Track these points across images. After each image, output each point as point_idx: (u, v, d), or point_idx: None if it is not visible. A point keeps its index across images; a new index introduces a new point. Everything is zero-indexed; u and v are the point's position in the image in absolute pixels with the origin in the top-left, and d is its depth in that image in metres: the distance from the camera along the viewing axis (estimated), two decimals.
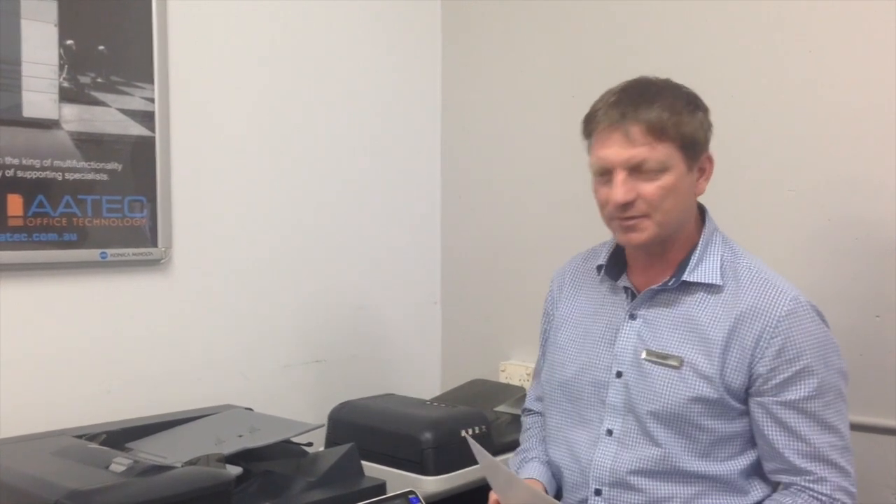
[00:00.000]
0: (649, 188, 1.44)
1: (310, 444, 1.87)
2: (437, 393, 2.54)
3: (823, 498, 1.45)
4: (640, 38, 2.25)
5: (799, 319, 1.46)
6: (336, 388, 2.38)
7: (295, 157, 2.37)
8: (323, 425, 2.04)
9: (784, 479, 1.48)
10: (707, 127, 1.49)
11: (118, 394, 2.02)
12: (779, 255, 2.02)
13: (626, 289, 1.58)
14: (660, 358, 1.50)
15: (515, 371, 2.49)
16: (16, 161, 1.85)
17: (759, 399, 1.47)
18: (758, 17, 2.04)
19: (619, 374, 1.54)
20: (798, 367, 1.44)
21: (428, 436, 1.93)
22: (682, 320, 1.50)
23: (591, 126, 1.49)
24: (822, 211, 1.96)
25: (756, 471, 1.52)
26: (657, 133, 1.42)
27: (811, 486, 1.45)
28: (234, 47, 2.24)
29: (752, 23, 2.05)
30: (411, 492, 1.68)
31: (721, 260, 1.52)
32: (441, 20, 2.72)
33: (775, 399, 1.45)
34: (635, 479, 1.50)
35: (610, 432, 1.53)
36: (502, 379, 2.50)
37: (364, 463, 1.78)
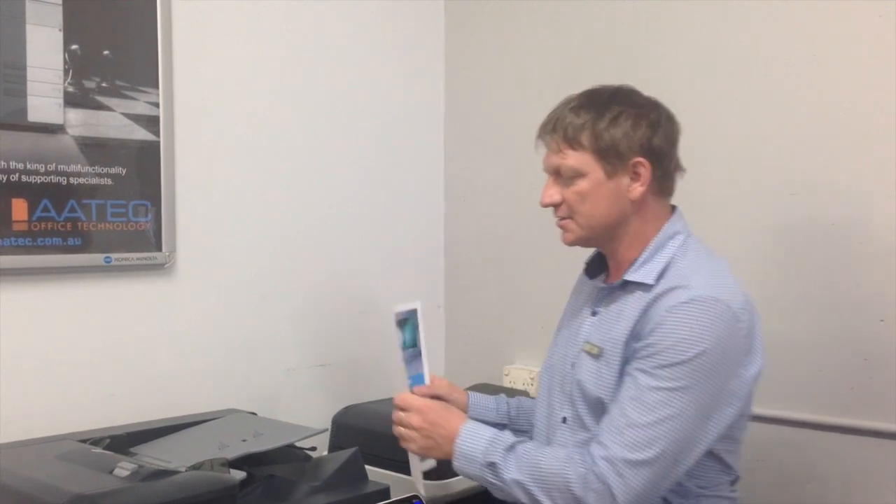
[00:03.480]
0: (567, 193, 1.56)
1: (313, 449, 1.87)
2: None
3: (587, 457, 1.43)
4: (644, 38, 2.25)
5: (686, 311, 1.43)
6: (340, 392, 2.38)
7: (298, 161, 2.37)
8: (327, 429, 2.04)
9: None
10: (640, 136, 1.51)
11: (122, 398, 2.02)
12: (781, 259, 2.02)
13: (597, 288, 1.66)
14: (589, 349, 1.57)
15: (519, 375, 2.49)
16: (21, 165, 1.86)
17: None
18: (760, 21, 2.04)
19: (572, 366, 1.62)
20: (657, 349, 1.43)
21: None
22: (616, 315, 1.55)
23: (538, 131, 1.61)
24: (825, 215, 1.96)
25: None
26: (570, 142, 1.53)
27: (592, 444, 1.46)
28: (239, 52, 2.24)
29: (755, 25, 2.05)
30: (415, 496, 1.68)
31: (668, 262, 1.53)
32: (444, 19, 2.72)
33: (629, 366, 1.47)
34: None
35: (564, 419, 1.61)
36: (506, 383, 2.50)
37: (368, 467, 1.77)
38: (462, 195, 2.70)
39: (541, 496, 1.44)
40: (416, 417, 1.59)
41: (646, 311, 1.48)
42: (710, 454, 1.50)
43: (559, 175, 1.56)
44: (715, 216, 2.07)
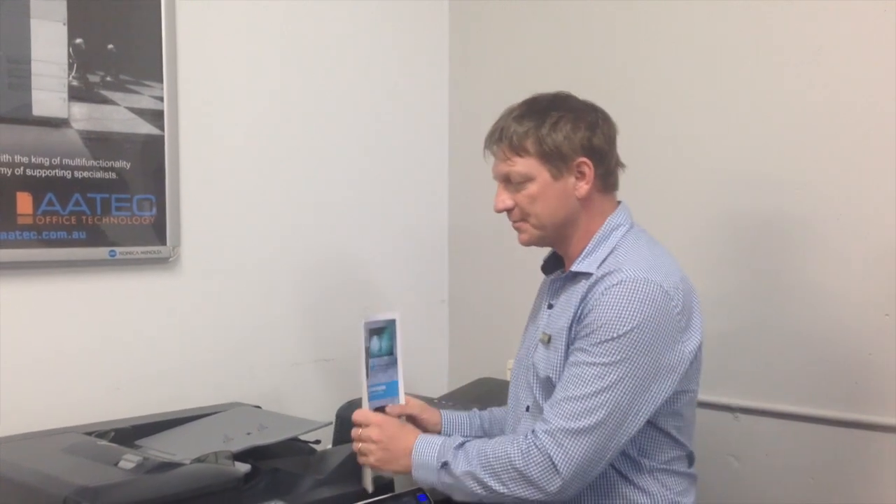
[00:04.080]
0: (518, 197, 1.63)
1: (318, 442, 1.88)
2: (445, 391, 2.54)
3: (528, 433, 1.52)
4: (646, 36, 2.24)
5: (618, 292, 1.51)
6: (344, 386, 2.37)
7: (303, 155, 2.37)
8: (331, 423, 2.04)
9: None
10: (581, 138, 1.60)
11: (127, 391, 2.03)
12: (787, 253, 2.02)
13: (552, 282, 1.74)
14: (542, 337, 1.66)
15: None
16: (25, 159, 1.86)
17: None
18: (768, 19, 2.04)
19: (531, 356, 1.69)
20: (591, 329, 1.52)
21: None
22: (565, 305, 1.63)
23: (484, 142, 1.69)
24: (831, 209, 1.95)
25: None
26: (516, 149, 1.61)
27: (536, 423, 1.54)
28: (243, 46, 2.24)
29: (755, 28, 2.05)
30: (419, 490, 1.68)
31: (610, 251, 1.61)
32: (448, 12, 2.71)
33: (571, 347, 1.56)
34: None
35: (527, 408, 1.68)
36: (509, 377, 2.49)
37: None
38: (466, 189, 2.70)
39: (490, 481, 1.51)
40: (374, 431, 1.62)
41: (584, 297, 1.57)
42: (660, 430, 1.59)
43: (509, 181, 1.64)
44: (718, 211, 2.07)
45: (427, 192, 2.69)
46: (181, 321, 2.13)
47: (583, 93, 1.69)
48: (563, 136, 1.60)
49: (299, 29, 2.36)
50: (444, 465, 1.56)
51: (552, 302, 1.69)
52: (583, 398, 1.49)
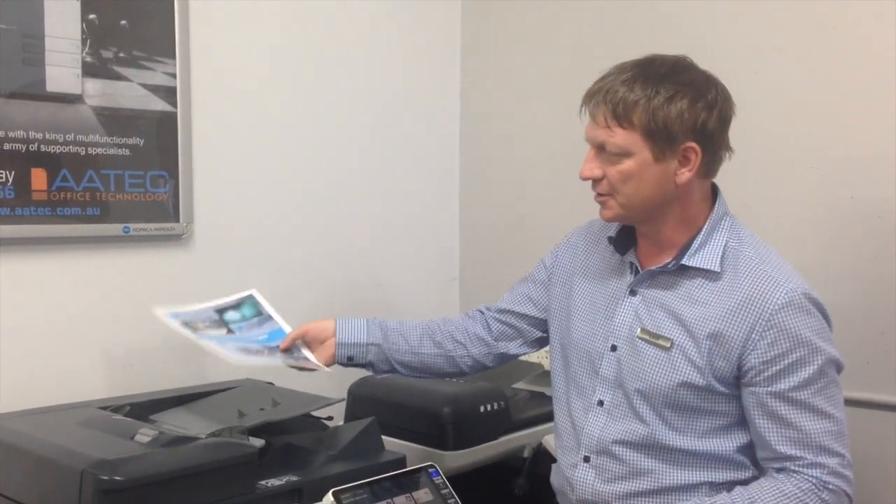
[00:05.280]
0: (610, 171, 1.47)
1: (330, 419, 1.89)
2: None
3: (814, 480, 1.43)
4: (663, 14, 2.23)
5: (793, 312, 1.43)
6: None
7: (316, 132, 2.37)
8: (343, 399, 2.05)
9: (775, 465, 1.47)
10: (695, 117, 1.43)
11: (139, 367, 2.04)
12: (801, 233, 2.02)
13: (631, 264, 1.59)
14: (652, 337, 1.51)
15: None
16: (40, 135, 1.86)
17: (750, 389, 1.46)
18: None
19: (613, 348, 1.56)
20: (791, 360, 1.43)
21: (447, 410, 1.95)
22: (678, 303, 1.51)
23: (584, 97, 1.52)
24: (845, 189, 1.95)
25: (748, 451, 1.52)
26: (619, 119, 1.44)
27: (803, 469, 1.43)
28: (256, 23, 2.23)
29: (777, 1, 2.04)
30: (431, 465, 1.69)
31: (725, 247, 1.50)
32: (461, 1, 2.70)
33: (767, 390, 1.44)
34: (619, 449, 1.54)
35: (601, 403, 1.57)
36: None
37: (384, 437, 1.79)
38: (477, 167, 2.70)
39: None
40: None
41: (735, 314, 1.45)
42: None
43: (602, 150, 1.47)
44: (733, 192, 2.06)
45: (438, 169, 2.69)
46: (193, 297, 2.11)
47: (599, 72, 1.66)
48: (675, 114, 1.42)
49: (315, 8, 2.35)
50: None
51: (637, 289, 1.56)
52: (832, 428, 1.43)
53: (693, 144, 1.44)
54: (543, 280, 1.77)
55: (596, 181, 1.50)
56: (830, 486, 1.42)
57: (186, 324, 1.71)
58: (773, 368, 1.43)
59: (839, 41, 1.95)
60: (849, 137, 1.94)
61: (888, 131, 1.88)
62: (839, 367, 1.48)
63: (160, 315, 1.70)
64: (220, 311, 1.74)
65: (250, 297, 1.76)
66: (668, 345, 1.49)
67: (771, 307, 1.43)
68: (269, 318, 1.78)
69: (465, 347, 1.78)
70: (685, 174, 1.46)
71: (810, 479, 1.43)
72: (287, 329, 1.78)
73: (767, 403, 1.45)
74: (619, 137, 1.44)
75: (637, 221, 1.55)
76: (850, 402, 1.92)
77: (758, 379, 1.45)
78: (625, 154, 1.45)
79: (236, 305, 1.76)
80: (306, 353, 1.76)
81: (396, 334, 1.77)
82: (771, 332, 1.43)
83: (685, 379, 1.48)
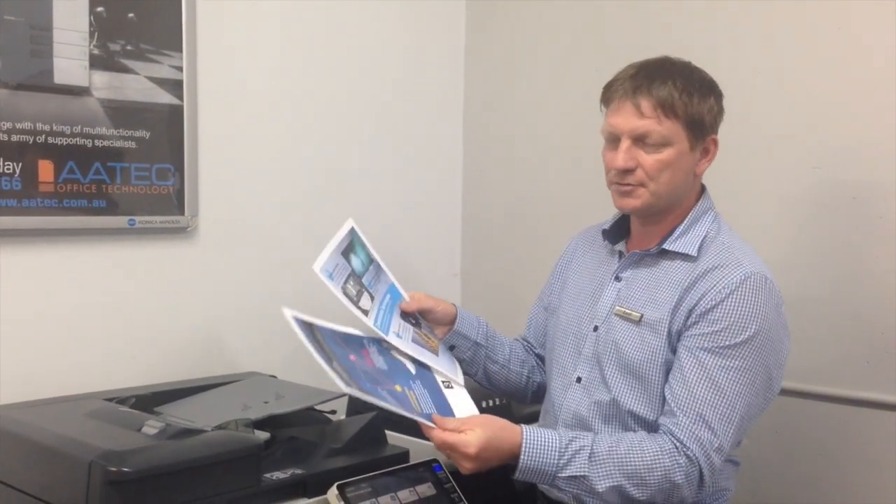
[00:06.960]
0: (649, 160, 1.54)
1: (333, 412, 1.90)
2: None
3: (677, 444, 1.47)
4: (665, 13, 2.24)
5: (748, 289, 1.50)
6: None
7: (320, 127, 2.37)
8: (346, 394, 2.06)
9: (660, 421, 1.53)
10: (716, 112, 1.58)
11: (143, 360, 2.05)
12: (801, 233, 2.03)
13: (620, 253, 1.69)
14: (626, 314, 1.60)
15: None
16: (47, 127, 1.87)
17: (681, 341, 1.53)
18: None
19: (595, 329, 1.65)
20: (722, 326, 1.49)
21: None
22: (654, 282, 1.59)
23: (607, 95, 1.60)
24: (847, 189, 1.96)
25: None
26: (666, 109, 1.52)
27: (673, 429, 1.48)
28: (263, 18, 2.24)
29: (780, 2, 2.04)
30: (434, 460, 1.70)
31: (705, 236, 1.59)
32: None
33: (687, 342, 1.51)
34: (593, 421, 1.60)
35: (579, 379, 1.65)
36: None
37: (387, 432, 1.80)
38: (479, 162, 2.70)
39: (635, 491, 1.46)
40: (471, 449, 1.47)
41: (695, 283, 1.53)
42: None
43: (640, 140, 1.54)
44: (736, 190, 2.07)
45: (440, 163, 2.69)
46: (198, 290, 2.15)
47: (600, 67, 1.69)
48: (707, 109, 1.55)
49: (321, 5, 2.34)
50: (576, 478, 1.47)
51: (621, 274, 1.65)
52: (721, 406, 1.47)
53: (715, 137, 1.59)
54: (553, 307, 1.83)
55: (628, 171, 1.56)
56: (689, 454, 1.46)
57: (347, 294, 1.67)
58: (702, 323, 1.50)
59: (842, 41, 1.96)
60: (851, 138, 1.95)
61: (891, 132, 1.89)
62: (774, 362, 1.52)
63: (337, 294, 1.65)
64: (346, 254, 1.67)
65: (353, 230, 1.73)
66: (638, 318, 1.57)
67: (726, 284, 1.50)
68: (379, 267, 1.75)
69: (538, 374, 1.88)
70: (704, 165, 1.60)
71: (674, 441, 1.47)
72: (395, 281, 1.77)
73: (681, 357, 1.51)
74: (665, 127, 1.53)
75: (658, 211, 1.61)
76: (850, 402, 1.97)
77: (688, 328, 1.52)
78: (666, 143, 1.53)
79: (349, 244, 1.69)
80: (428, 332, 1.74)
81: (496, 342, 1.84)
82: (719, 306, 1.49)
83: (651, 348, 1.55)
